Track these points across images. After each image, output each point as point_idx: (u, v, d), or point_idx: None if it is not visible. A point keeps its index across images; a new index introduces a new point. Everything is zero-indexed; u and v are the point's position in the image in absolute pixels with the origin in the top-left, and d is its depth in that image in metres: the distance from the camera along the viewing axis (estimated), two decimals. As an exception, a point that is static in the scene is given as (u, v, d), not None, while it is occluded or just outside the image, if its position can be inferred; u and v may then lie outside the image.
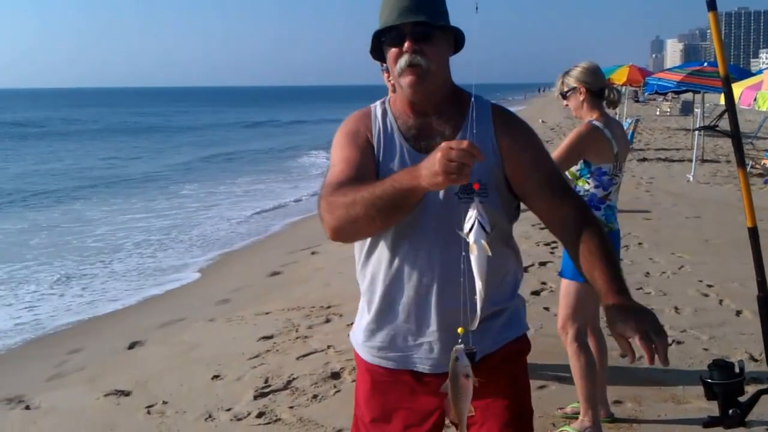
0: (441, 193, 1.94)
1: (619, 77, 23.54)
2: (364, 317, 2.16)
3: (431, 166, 1.69)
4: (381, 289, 2.06)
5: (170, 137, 42.46)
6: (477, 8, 1.89)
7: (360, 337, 2.18)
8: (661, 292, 6.70)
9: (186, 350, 5.90)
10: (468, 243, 1.72)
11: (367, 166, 2.01)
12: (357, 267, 2.16)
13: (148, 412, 4.57)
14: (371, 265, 2.08)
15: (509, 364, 2.12)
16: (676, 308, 6.22)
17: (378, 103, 2.16)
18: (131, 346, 6.25)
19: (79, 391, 5.19)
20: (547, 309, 6.18)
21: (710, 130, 18.95)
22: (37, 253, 11.30)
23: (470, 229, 1.71)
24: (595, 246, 1.93)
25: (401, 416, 2.13)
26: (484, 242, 1.70)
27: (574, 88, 3.86)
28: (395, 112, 2.10)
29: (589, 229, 1.97)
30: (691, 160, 15.55)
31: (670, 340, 5.24)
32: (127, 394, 4.93)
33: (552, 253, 8.30)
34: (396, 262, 2.02)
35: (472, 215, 1.72)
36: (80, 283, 9.40)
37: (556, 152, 3.74)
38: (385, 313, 2.08)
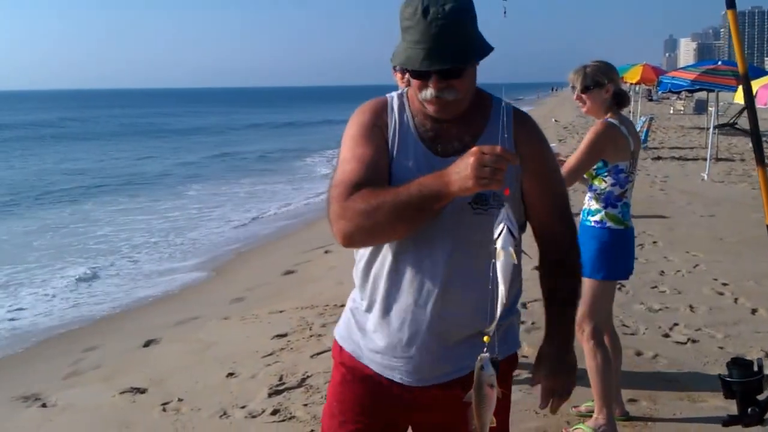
0: (449, 204, 1.82)
1: (632, 76, 23.47)
2: (361, 315, 2.06)
3: (463, 171, 1.66)
4: (382, 292, 1.98)
5: (184, 137, 42.61)
6: (505, 13, 1.85)
7: (353, 333, 2.08)
8: (675, 290, 6.67)
9: (201, 348, 5.92)
10: (495, 249, 1.71)
11: (381, 165, 1.90)
12: (358, 265, 2.06)
13: (164, 410, 4.60)
14: (375, 267, 1.99)
15: (501, 384, 2.02)
16: (690, 307, 6.18)
17: (395, 95, 2.03)
18: (147, 344, 6.29)
19: (94, 388, 5.22)
20: (560, 308, 6.16)
21: (730, 127, 18.86)
22: (38, 255, 11.37)
23: (498, 235, 1.71)
24: (565, 288, 2.07)
25: (366, 417, 2.06)
26: (511, 249, 1.69)
27: (601, 84, 3.81)
28: (413, 109, 1.97)
29: (570, 262, 2.08)
30: (705, 159, 15.46)
31: (685, 338, 5.30)
32: (142, 391, 4.96)
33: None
34: (399, 267, 1.94)
35: (501, 221, 1.71)
36: (85, 283, 9.50)
37: (576, 155, 3.74)
38: (383, 317, 1.99)
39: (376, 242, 1.93)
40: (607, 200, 3.81)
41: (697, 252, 8.19)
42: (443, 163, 1.81)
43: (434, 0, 1.78)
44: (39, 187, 20.40)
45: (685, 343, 5.32)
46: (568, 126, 29.42)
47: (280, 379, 4.94)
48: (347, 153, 1.93)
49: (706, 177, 14.32)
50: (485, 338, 1.77)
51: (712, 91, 17.51)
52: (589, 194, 3.91)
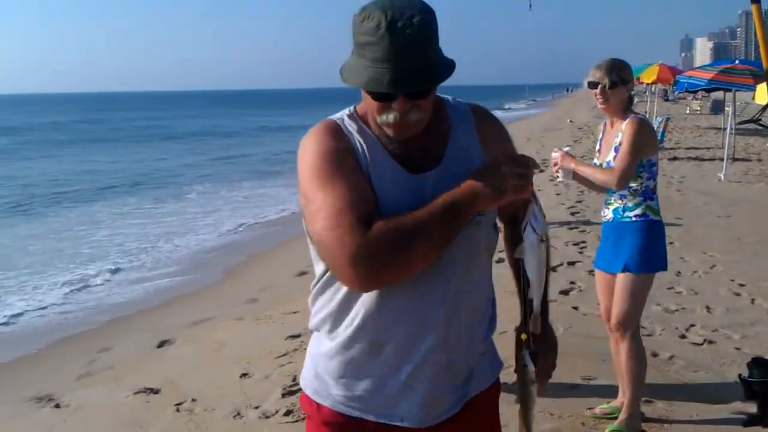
0: None
1: (649, 76, 23.34)
2: (337, 359, 1.79)
3: (495, 183, 1.59)
4: (371, 326, 1.73)
5: (197, 139, 42.73)
6: (531, 6, 1.76)
7: (328, 384, 1.82)
8: (692, 291, 6.61)
9: (215, 349, 5.93)
10: (523, 246, 1.72)
11: (369, 189, 1.67)
12: (331, 298, 1.78)
13: (177, 410, 4.60)
14: (360, 299, 1.72)
15: (494, 409, 1.96)
16: (707, 308, 6.12)
17: (344, 116, 1.79)
18: (160, 345, 6.31)
19: (108, 389, 5.24)
20: (575, 308, 6.13)
21: (754, 123, 18.69)
22: (30, 260, 11.42)
23: (524, 226, 1.71)
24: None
25: None
26: (535, 244, 1.70)
27: (626, 82, 3.77)
28: (372, 127, 1.75)
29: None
30: (722, 159, 15.33)
31: (701, 339, 5.25)
32: (156, 392, 4.97)
33: (581, 252, 8.23)
34: (392, 294, 1.69)
35: (529, 219, 1.70)
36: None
37: (623, 157, 3.66)
38: (373, 356, 1.75)
39: (403, 278, 1.65)
40: (645, 194, 3.81)
41: (714, 252, 8.12)
42: (419, 181, 1.71)
43: (398, 13, 1.58)
44: (62, 184, 20.59)
45: (702, 344, 5.27)
46: (583, 127, 29.29)
47: (294, 379, 4.92)
48: (325, 185, 1.65)
49: (722, 177, 14.21)
50: (523, 335, 1.75)
51: (729, 90, 17.36)
52: (619, 194, 3.84)
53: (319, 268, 1.81)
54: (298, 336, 5.93)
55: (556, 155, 3.90)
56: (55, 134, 50.35)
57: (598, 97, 3.81)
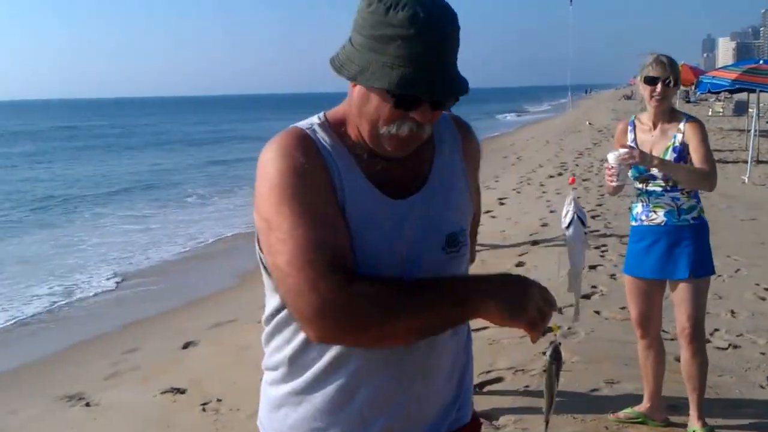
0: (423, 253, 1.50)
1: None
2: (292, 407, 1.56)
3: (518, 305, 1.37)
4: (341, 371, 1.49)
5: (220, 145, 42.78)
6: (571, 1, 1.51)
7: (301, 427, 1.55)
8: (716, 295, 6.56)
9: (238, 350, 5.99)
10: (567, 236, 1.72)
11: (342, 223, 1.43)
12: (284, 335, 1.57)
13: (203, 410, 4.67)
14: (333, 347, 1.48)
15: None
16: (732, 312, 6.09)
17: (315, 123, 1.50)
18: (185, 346, 6.38)
19: (136, 389, 5.33)
20: (597, 313, 6.12)
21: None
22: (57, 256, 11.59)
23: (569, 224, 1.70)
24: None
25: None
26: (582, 235, 1.70)
27: (678, 83, 3.69)
28: (349, 143, 1.49)
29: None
30: (745, 162, 15.20)
31: (726, 344, 5.23)
32: (182, 392, 5.04)
33: (602, 256, 8.21)
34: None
35: (569, 210, 1.70)
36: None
37: (707, 158, 3.58)
38: (337, 406, 1.51)
39: (368, 346, 1.45)
40: (696, 195, 3.76)
41: (738, 256, 8.06)
42: (401, 207, 1.49)
43: (433, 6, 1.35)
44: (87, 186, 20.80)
45: (726, 349, 5.25)
46: (602, 129, 29.13)
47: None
48: (292, 212, 1.38)
49: (746, 180, 14.09)
50: (554, 327, 1.64)
51: (754, 91, 17.20)
52: (670, 196, 3.71)
53: (273, 302, 1.57)
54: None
55: (617, 155, 3.58)
56: (88, 139, 50.20)
57: (657, 94, 3.63)
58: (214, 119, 78.62)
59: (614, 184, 3.65)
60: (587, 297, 6.64)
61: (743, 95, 23.69)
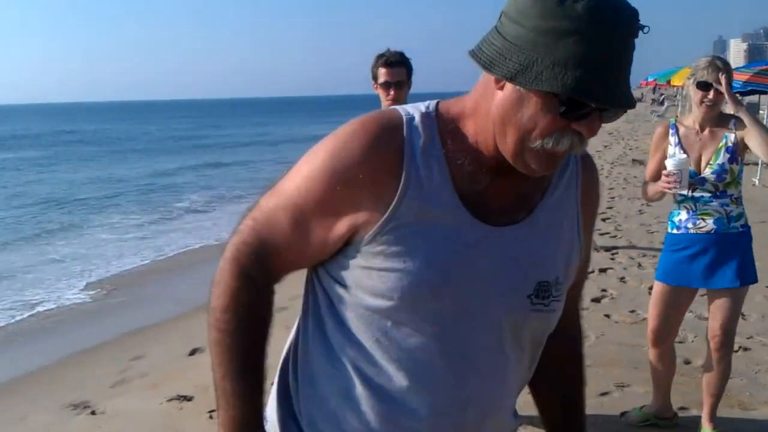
0: (504, 296, 1.27)
1: (681, 79, 23.05)
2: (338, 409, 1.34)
3: None
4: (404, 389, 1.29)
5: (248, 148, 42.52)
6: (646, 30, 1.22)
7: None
8: (726, 298, 6.51)
9: (245, 357, 5.97)
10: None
11: (318, 249, 1.30)
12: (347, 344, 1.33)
13: (211, 417, 4.64)
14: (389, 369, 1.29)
15: None
16: (742, 314, 6.00)
17: (417, 115, 1.25)
18: (192, 353, 6.37)
19: (142, 396, 5.31)
20: (608, 316, 6.08)
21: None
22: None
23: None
24: (580, 388, 1.63)
25: None
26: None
27: (731, 85, 3.56)
28: (454, 141, 1.24)
29: (580, 361, 1.61)
30: (756, 164, 15.09)
31: (736, 346, 5.18)
32: (189, 399, 5.03)
33: (612, 259, 8.16)
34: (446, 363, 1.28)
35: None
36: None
37: None
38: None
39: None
40: (740, 201, 3.70)
41: (749, 258, 7.98)
42: (491, 235, 1.25)
43: (618, 3, 1.13)
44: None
45: (737, 351, 5.18)
46: (613, 131, 29.01)
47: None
48: (298, 188, 1.26)
49: (757, 182, 14.00)
50: None
51: (766, 93, 17.10)
52: (720, 202, 3.63)
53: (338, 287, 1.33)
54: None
55: (678, 161, 3.48)
56: (111, 144, 49.72)
57: (709, 100, 3.52)
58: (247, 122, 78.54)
59: (677, 191, 3.54)
60: (597, 300, 6.60)
61: (754, 97, 23.52)
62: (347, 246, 1.28)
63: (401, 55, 3.94)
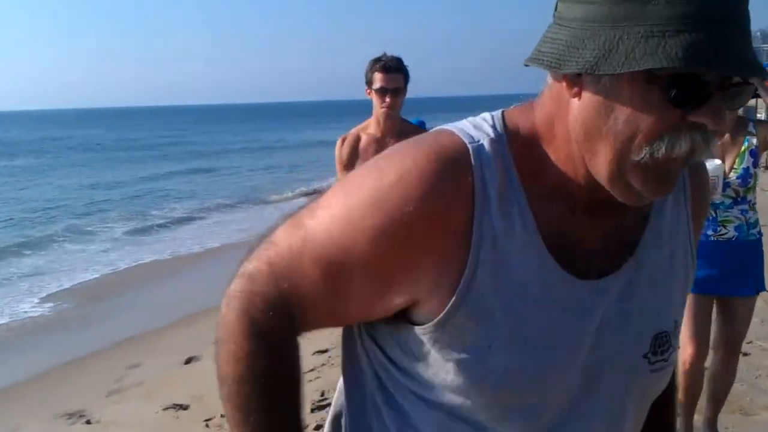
0: (614, 364, 0.99)
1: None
2: None
3: None
4: None
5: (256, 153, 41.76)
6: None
7: None
8: (725, 302, 6.49)
9: (242, 365, 5.94)
10: None
11: (360, 313, 1.02)
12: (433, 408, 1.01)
13: (207, 426, 4.62)
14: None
15: None
16: (741, 319, 6.01)
17: (486, 142, 0.93)
18: (188, 361, 6.34)
19: (138, 405, 5.28)
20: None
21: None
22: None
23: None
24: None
25: None
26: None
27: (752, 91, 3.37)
28: (531, 180, 0.94)
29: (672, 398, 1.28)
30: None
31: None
32: (185, 407, 4.99)
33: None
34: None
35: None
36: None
37: None
38: None
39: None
40: (755, 206, 3.63)
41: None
42: (596, 292, 0.97)
43: None
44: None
45: (737, 356, 5.17)
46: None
47: (322, 394, 4.92)
48: (329, 235, 0.95)
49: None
50: None
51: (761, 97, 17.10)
52: (739, 209, 3.55)
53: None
54: (326, 351, 5.92)
55: (716, 166, 3.39)
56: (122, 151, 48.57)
57: None
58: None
59: (714, 198, 3.42)
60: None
61: (751, 101, 23.58)
62: (404, 321, 0.99)
63: (399, 60, 3.80)
